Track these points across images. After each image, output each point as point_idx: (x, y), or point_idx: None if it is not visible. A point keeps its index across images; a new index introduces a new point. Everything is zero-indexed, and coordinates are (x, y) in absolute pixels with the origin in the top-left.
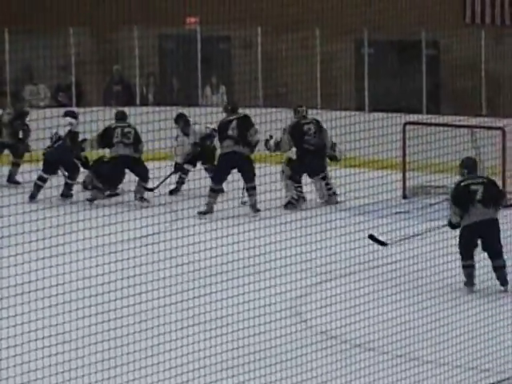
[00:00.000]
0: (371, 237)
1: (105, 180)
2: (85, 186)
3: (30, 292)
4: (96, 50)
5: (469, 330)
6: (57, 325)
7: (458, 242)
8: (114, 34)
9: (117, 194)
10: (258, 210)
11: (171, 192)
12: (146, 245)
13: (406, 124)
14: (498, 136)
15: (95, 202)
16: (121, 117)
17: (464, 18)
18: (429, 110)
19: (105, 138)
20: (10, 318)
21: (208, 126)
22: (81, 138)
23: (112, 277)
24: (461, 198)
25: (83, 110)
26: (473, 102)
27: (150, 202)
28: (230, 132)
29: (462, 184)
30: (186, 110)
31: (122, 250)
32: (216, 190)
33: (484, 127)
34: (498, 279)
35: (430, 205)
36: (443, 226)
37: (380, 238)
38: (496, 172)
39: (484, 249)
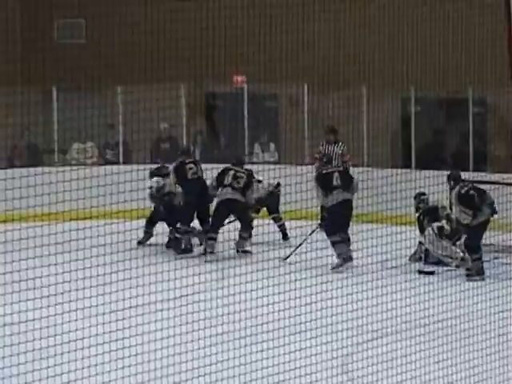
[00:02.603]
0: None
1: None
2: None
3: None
4: (143, 108)
5: None
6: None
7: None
8: (161, 93)
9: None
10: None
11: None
12: (193, 303)
13: None
14: None
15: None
16: (237, 162)
17: (511, 77)
18: (476, 168)
19: (218, 180)
20: None
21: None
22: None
23: (152, 336)
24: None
25: (130, 167)
26: None
27: (252, 253)
28: (335, 182)
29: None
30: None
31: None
32: (337, 241)
33: None
34: None
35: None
36: None
37: None
38: None
39: None
